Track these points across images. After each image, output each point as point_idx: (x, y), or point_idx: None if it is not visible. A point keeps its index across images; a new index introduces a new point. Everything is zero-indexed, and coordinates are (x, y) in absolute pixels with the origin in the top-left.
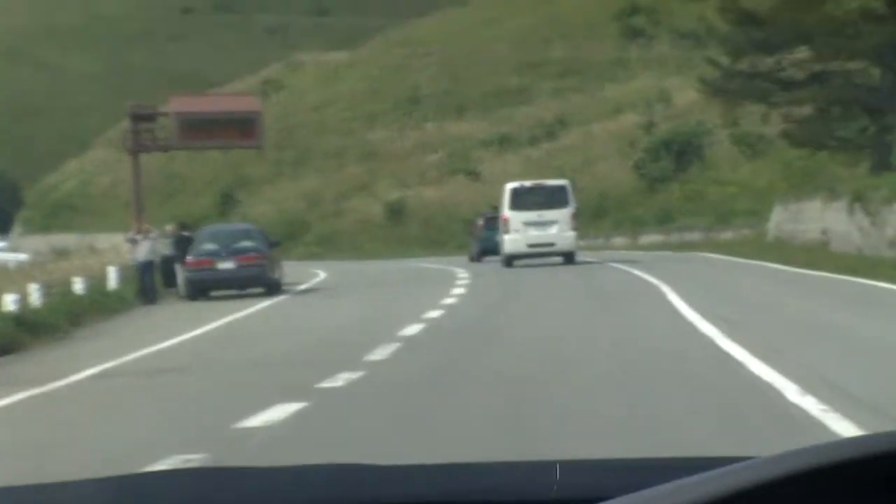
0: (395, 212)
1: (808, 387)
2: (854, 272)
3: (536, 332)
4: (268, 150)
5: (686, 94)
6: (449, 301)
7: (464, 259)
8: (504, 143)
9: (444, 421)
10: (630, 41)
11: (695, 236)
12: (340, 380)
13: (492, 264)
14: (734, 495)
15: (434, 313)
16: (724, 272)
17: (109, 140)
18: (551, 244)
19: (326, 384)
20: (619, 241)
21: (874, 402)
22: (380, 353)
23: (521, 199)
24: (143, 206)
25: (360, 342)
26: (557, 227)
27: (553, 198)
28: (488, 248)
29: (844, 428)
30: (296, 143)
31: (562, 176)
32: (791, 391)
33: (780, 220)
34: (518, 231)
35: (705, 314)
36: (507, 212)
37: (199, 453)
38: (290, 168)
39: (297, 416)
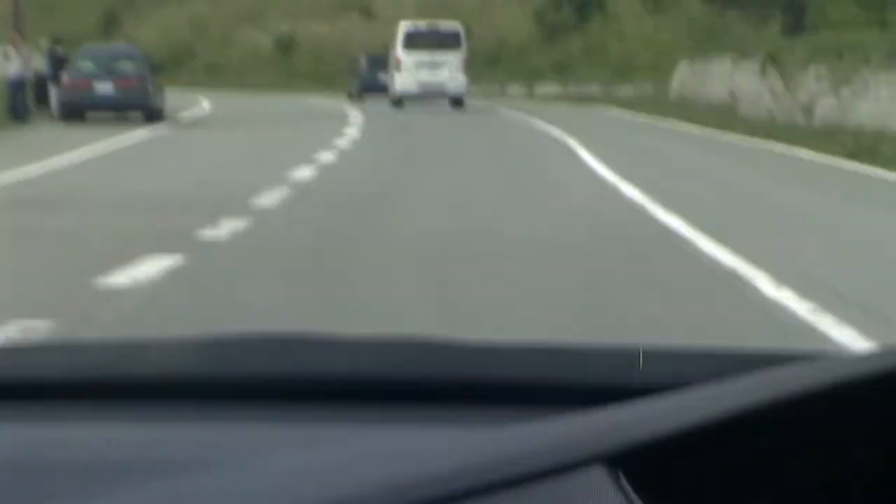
0: (285, 46)
1: (782, 278)
2: (771, 137)
3: (442, 190)
4: None
5: None
6: (342, 143)
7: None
8: None
9: (350, 285)
10: None
11: (593, 90)
12: (224, 228)
13: (382, 105)
14: (831, 388)
15: (327, 156)
16: (633, 130)
17: None
18: (441, 86)
19: (208, 233)
20: (514, 89)
21: (864, 300)
22: (268, 199)
23: (414, 41)
24: (23, 19)
25: (246, 185)
26: (448, 70)
27: (446, 41)
28: (370, 86)
29: (848, 336)
30: None
31: (458, 20)
32: (762, 281)
33: (685, 78)
34: (409, 72)
35: (630, 178)
36: (399, 52)
37: (46, 319)
38: None
39: (172, 274)
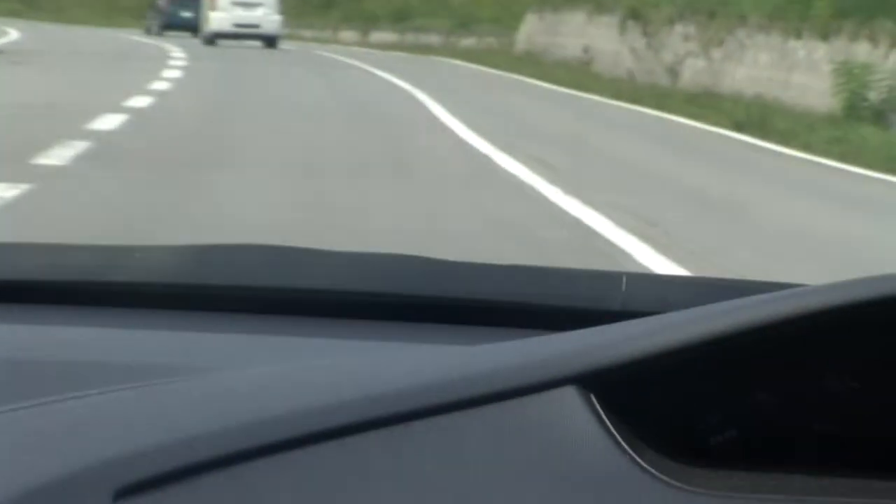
0: None
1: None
2: (637, 100)
3: (280, 143)
4: None
5: None
6: (161, 86)
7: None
8: None
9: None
10: None
11: (432, 39)
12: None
13: (204, 46)
14: (807, 314)
15: (141, 101)
16: (482, 86)
17: None
18: (256, 26)
19: None
20: (347, 35)
21: None
22: (56, 157)
23: None
24: None
25: (41, 134)
26: (263, 10)
27: None
28: (172, 24)
29: None
30: None
31: None
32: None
33: (533, 31)
34: (225, 10)
35: (504, 147)
36: None
37: None
38: None
39: None
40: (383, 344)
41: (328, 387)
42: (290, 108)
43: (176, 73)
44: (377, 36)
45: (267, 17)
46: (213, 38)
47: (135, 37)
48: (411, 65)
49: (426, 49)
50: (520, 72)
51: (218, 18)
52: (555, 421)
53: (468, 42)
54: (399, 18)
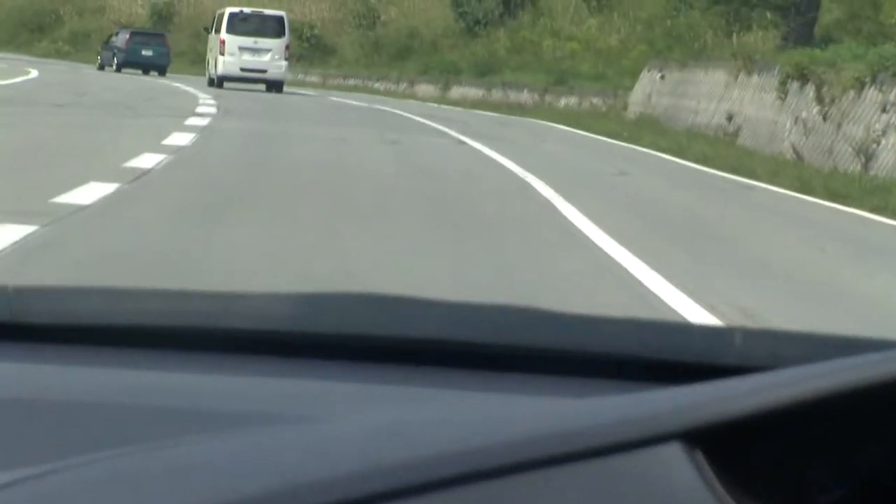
0: (163, 17)
1: None
2: (839, 198)
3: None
4: None
5: None
6: (178, 143)
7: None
8: None
9: None
10: None
11: (523, 97)
12: None
13: (238, 93)
14: None
15: (152, 160)
16: (607, 163)
17: None
18: (263, 71)
19: None
20: (425, 89)
21: None
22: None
23: (239, 25)
24: None
25: None
26: (270, 56)
27: (269, 27)
28: (132, 61)
29: None
30: None
31: (363, 4)
32: None
33: (652, 91)
34: (233, 55)
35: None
36: (224, 35)
37: None
38: None
39: None
40: (487, 395)
41: (430, 438)
42: (346, 202)
43: (203, 121)
44: (459, 91)
45: (274, 62)
46: (221, 82)
47: (172, 82)
48: (505, 129)
49: (517, 108)
50: (645, 143)
51: (226, 62)
52: (661, 477)
53: (567, 102)
54: (484, 72)
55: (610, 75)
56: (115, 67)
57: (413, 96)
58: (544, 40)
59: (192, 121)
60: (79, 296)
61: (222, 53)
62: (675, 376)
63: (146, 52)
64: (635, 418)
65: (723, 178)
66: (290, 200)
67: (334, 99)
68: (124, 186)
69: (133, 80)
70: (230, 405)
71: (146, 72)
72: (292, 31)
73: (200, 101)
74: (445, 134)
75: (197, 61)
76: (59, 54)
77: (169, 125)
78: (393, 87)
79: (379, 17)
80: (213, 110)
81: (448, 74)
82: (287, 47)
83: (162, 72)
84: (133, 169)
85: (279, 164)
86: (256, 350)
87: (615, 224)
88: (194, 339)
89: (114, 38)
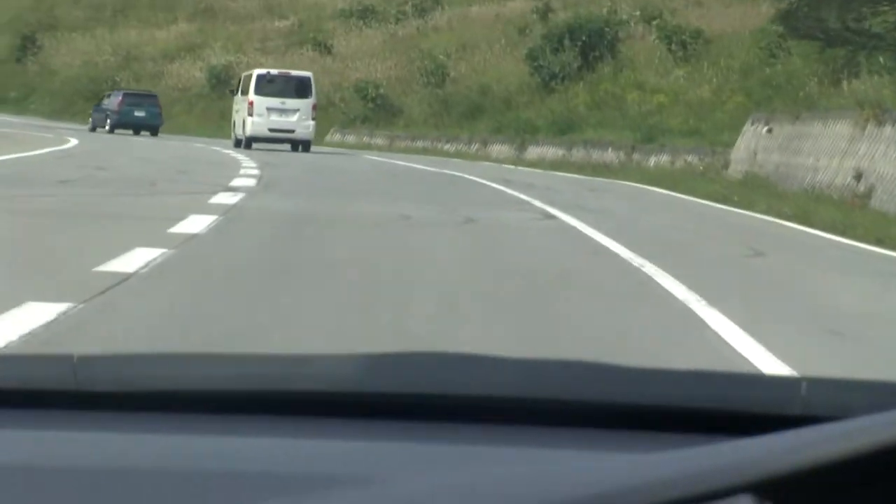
0: (221, 81)
1: None
2: None
3: None
4: None
5: None
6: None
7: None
8: (366, 16)
9: None
10: None
11: (608, 156)
12: None
13: (285, 159)
14: None
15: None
16: (724, 236)
17: None
18: (291, 131)
19: None
20: (499, 149)
21: None
22: None
23: (266, 86)
24: None
25: None
26: (298, 116)
27: (297, 87)
28: (125, 122)
29: None
30: None
31: (432, 60)
32: None
33: (758, 146)
34: (261, 115)
35: None
36: (252, 96)
37: None
38: (109, 15)
39: None
40: (557, 451)
41: (504, 497)
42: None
43: (233, 198)
44: (536, 150)
45: (301, 122)
46: (249, 143)
47: (221, 148)
48: (596, 196)
49: (603, 169)
50: (761, 208)
51: (255, 123)
52: None
53: (658, 160)
54: (563, 129)
55: (704, 130)
56: (107, 129)
57: (486, 158)
58: (628, 94)
59: (219, 198)
60: (144, 362)
61: (251, 114)
62: (742, 428)
63: (139, 113)
64: (704, 472)
65: (882, 255)
66: (315, 336)
67: (400, 163)
68: (69, 312)
69: (175, 147)
70: (298, 468)
71: (137, 132)
72: (357, 91)
73: (241, 171)
74: (528, 205)
75: None
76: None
77: (188, 205)
78: (464, 147)
79: (448, 74)
80: (251, 183)
81: (524, 133)
82: (314, 107)
83: (154, 132)
84: (101, 277)
85: (313, 269)
86: (322, 412)
87: (790, 346)
88: (261, 402)
89: (106, 101)
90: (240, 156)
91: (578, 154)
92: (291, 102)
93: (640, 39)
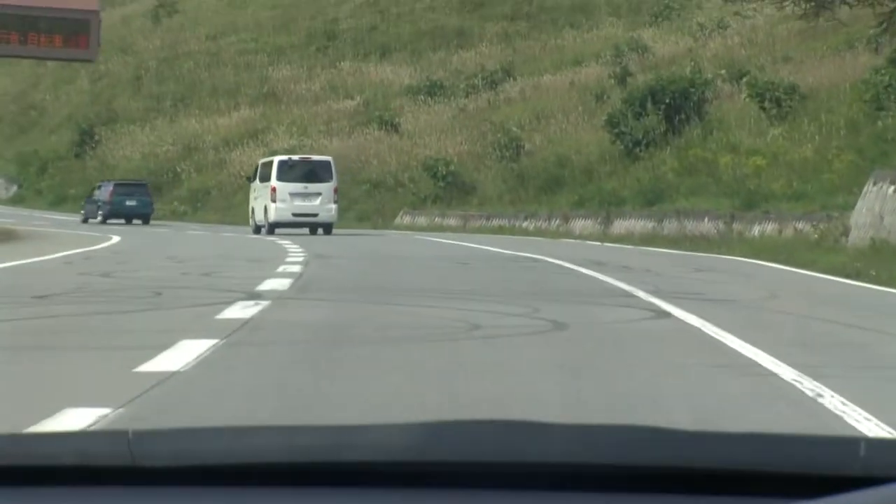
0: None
1: None
2: None
3: None
4: (145, 83)
5: (667, 45)
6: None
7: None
8: (435, 91)
9: None
10: None
11: (705, 227)
12: None
13: (340, 247)
14: None
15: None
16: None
17: None
18: (315, 215)
19: None
20: (582, 224)
21: None
22: None
23: (288, 172)
24: None
25: None
26: (321, 200)
27: (317, 172)
28: (118, 212)
29: None
30: (180, 77)
31: (505, 133)
32: None
33: (883, 209)
34: (284, 201)
35: None
36: (274, 182)
37: None
38: (169, 105)
39: None
40: None
41: None
42: None
43: (252, 309)
44: (623, 224)
45: (324, 205)
46: (272, 229)
47: (278, 238)
48: (707, 278)
49: (702, 242)
50: None
51: (278, 209)
52: None
53: (763, 229)
54: (652, 199)
55: (811, 193)
56: (99, 219)
57: (569, 234)
58: (720, 157)
59: (233, 310)
60: (198, 437)
61: (274, 200)
62: (800, 489)
63: (130, 203)
64: None
65: None
66: None
67: (472, 246)
68: None
69: (225, 240)
70: None
71: (129, 221)
72: (426, 169)
73: (281, 268)
74: (630, 297)
75: None
76: (175, 215)
77: (186, 325)
78: (544, 224)
79: (523, 147)
80: (285, 284)
81: (608, 206)
82: (335, 190)
83: (146, 220)
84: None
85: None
86: (381, 482)
87: None
88: (320, 473)
89: (97, 192)
90: (292, 246)
91: (671, 226)
92: (314, 187)
93: (729, 99)
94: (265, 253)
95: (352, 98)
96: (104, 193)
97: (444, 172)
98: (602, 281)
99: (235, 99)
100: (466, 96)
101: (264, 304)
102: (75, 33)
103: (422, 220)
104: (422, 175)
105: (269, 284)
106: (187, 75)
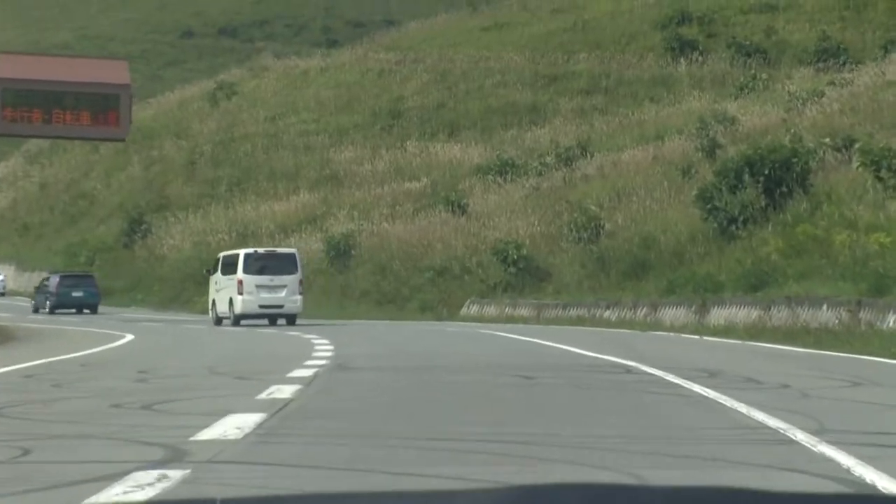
0: (341, 252)
1: None
2: None
3: None
4: (199, 168)
5: (757, 116)
6: None
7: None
8: (506, 170)
9: None
10: (678, 55)
11: (825, 316)
12: None
13: (366, 352)
14: None
15: None
16: None
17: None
18: (280, 307)
19: None
20: (673, 314)
21: None
22: None
23: (254, 264)
24: None
25: None
26: (286, 291)
27: (283, 264)
28: (64, 303)
29: None
30: (236, 161)
31: (582, 213)
32: None
33: None
34: (251, 293)
35: None
36: (241, 275)
37: None
38: (224, 191)
39: None
40: None
41: None
42: None
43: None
44: (722, 313)
45: (289, 297)
46: (238, 320)
47: (317, 336)
48: (867, 394)
49: (825, 335)
50: None
51: (245, 301)
52: None
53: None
54: (755, 285)
55: None
56: (48, 310)
57: (658, 325)
58: (835, 235)
59: (107, 494)
60: None
61: (240, 293)
62: None
63: (76, 294)
64: None
65: None
66: None
67: (545, 344)
68: None
69: (255, 339)
70: None
71: (79, 311)
72: (495, 253)
73: (267, 391)
74: (791, 446)
75: (382, 301)
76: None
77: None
78: (629, 314)
79: (602, 227)
80: (244, 425)
81: (703, 292)
82: (300, 282)
83: (94, 310)
84: None
85: None
86: None
87: None
88: None
89: (46, 283)
90: (320, 348)
91: (780, 315)
92: (279, 279)
93: (836, 170)
94: (269, 363)
95: (417, 179)
96: (52, 284)
97: (516, 257)
98: (729, 409)
99: (294, 182)
100: (539, 174)
101: (172, 479)
102: (104, 110)
103: (491, 310)
104: (491, 260)
105: (218, 428)
106: (244, 159)
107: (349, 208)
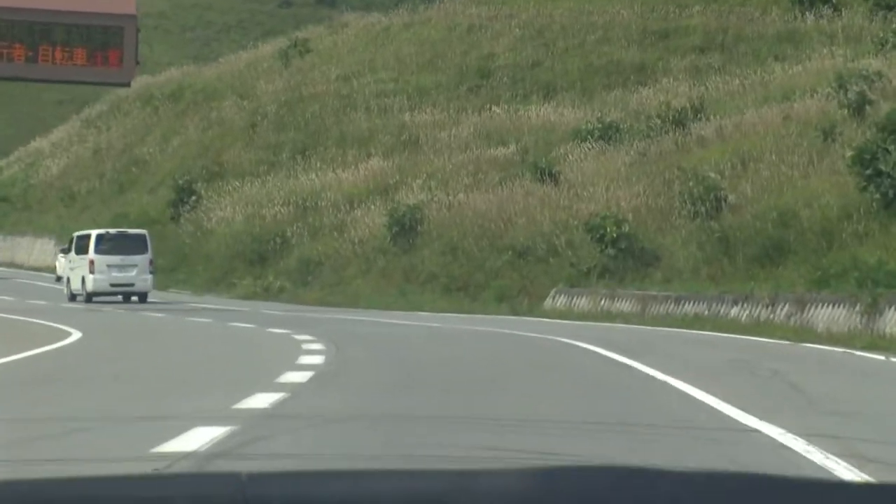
0: (405, 228)
1: None
2: None
3: None
4: (260, 132)
5: None
6: None
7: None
8: (609, 135)
9: None
10: (806, 9)
11: None
12: None
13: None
14: None
15: None
16: None
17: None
18: (131, 285)
19: None
20: (829, 314)
21: None
22: None
23: (105, 244)
24: None
25: None
26: (137, 271)
27: (133, 245)
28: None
29: None
30: (303, 123)
31: (699, 182)
32: None
33: None
34: (102, 272)
35: None
36: (92, 255)
37: None
38: (286, 158)
39: None
40: None
41: None
42: None
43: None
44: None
45: (140, 276)
46: (90, 298)
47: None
48: None
49: None
50: None
51: (96, 280)
52: None
53: None
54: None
55: None
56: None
57: (809, 332)
58: None
59: None
60: (314, 480)
61: (92, 272)
62: None
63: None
64: None
65: None
66: None
67: (646, 374)
68: None
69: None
70: None
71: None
72: (589, 230)
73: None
74: None
75: (452, 288)
76: (269, 293)
77: None
78: (763, 312)
79: (725, 199)
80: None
81: (872, 285)
82: (151, 262)
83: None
84: None
85: None
86: None
87: None
88: None
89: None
90: (310, 360)
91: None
92: (130, 259)
93: None
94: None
95: (505, 145)
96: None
97: (615, 235)
98: None
99: (367, 148)
100: (649, 137)
101: None
102: (103, 47)
103: (582, 303)
104: (584, 239)
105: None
106: (311, 122)
107: (425, 178)
